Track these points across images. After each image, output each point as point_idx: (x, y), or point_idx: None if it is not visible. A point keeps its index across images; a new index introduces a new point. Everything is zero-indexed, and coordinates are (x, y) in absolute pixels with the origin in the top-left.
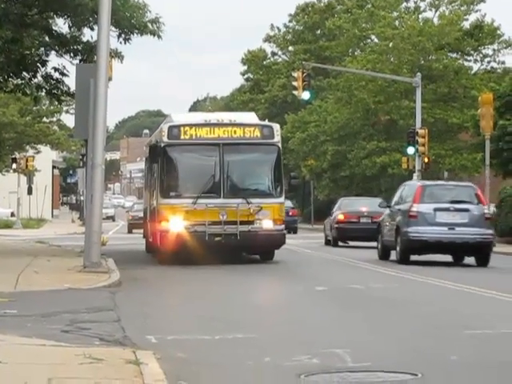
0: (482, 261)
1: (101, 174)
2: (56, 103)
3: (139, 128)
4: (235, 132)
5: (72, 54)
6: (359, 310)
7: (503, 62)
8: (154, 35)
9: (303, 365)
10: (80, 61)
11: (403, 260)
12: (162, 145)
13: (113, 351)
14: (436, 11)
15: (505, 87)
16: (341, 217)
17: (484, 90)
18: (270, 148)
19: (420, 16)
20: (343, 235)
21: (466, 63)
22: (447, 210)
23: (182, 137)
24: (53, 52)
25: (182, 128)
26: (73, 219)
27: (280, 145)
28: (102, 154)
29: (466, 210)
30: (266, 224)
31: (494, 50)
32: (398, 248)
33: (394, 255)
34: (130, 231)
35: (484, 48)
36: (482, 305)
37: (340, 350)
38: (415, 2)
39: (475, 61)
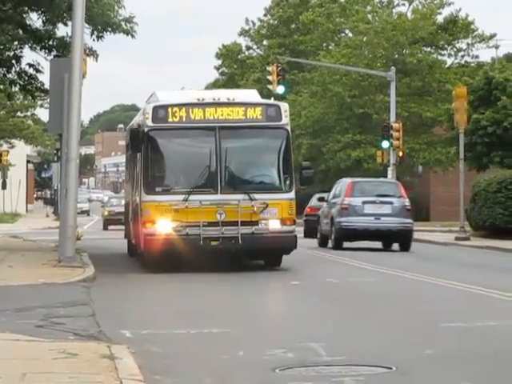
0: (405, 246)
1: (75, 169)
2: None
3: (114, 122)
4: (235, 113)
5: (47, 50)
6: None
7: (477, 56)
8: (128, 34)
9: (278, 359)
10: (55, 56)
11: (337, 246)
12: (146, 129)
13: (87, 346)
14: (410, 5)
15: (478, 81)
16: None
17: (458, 83)
18: (276, 132)
19: (394, 10)
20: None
21: (440, 57)
22: (374, 202)
23: (170, 119)
24: (27, 47)
25: (169, 109)
26: (47, 214)
27: (289, 128)
28: (77, 148)
29: (390, 203)
30: (273, 224)
31: (467, 44)
32: (332, 236)
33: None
34: (105, 228)
35: (458, 42)
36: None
37: (315, 344)
38: None
39: (449, 55)
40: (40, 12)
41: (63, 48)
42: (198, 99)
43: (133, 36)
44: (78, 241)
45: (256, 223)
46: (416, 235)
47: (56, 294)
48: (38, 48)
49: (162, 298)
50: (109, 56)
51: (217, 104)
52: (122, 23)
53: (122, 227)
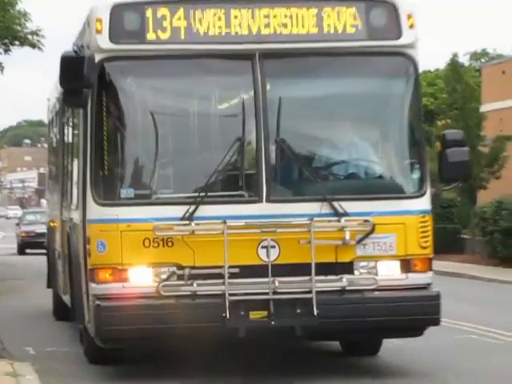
0: None
1: None
2: None
3: (20, 138)
4: (297, 22)
5: None
6: None
7: None
8: (34, 47)
9: None
10: None
11: None
12: (97, 58)
13: None
14: None
15: None
16: None
17: None
18: (389, 64)
19: None
20: None
21: None
22: None
23: (151, 36)
24: None
25: (147, 11)
26: None
27: (417, 57)
28: None
29: None
30: (387, 270)
31: None
32: None
33: None
34: (21, 252)
35: None
36: None
37: None
38: None
39: None
40: None
41: None
42: None
43: (40, 49)
44: None
45: (349, 268)
46: None
47: None
48: None
49: None
50: (15, 69)
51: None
52: (29, 36)
53: (43, 251)
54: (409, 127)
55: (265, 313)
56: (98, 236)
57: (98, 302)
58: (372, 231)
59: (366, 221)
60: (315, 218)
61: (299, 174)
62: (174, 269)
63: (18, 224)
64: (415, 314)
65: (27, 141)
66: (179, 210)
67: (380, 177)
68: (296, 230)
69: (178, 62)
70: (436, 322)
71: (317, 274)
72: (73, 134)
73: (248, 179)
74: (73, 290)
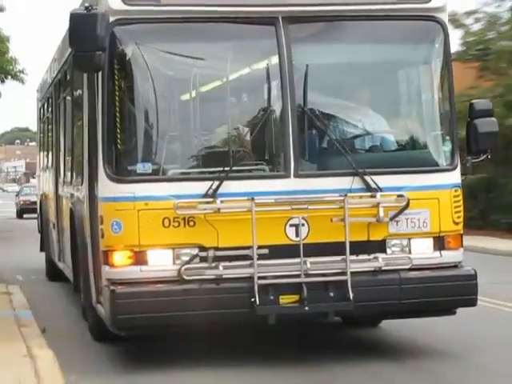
0: None
1: None
2: None
3: (13, 139)
4: None
5: None
6: None
7: None
8: (20, 81)
9: None
10: None
11: None
12: (111, 19)
13: None
14: None
15: None
16: None
17: None
18: (420, 31)
19: None
20: None
21: None
22: None
23: None
24: None
25: None
26: None
27: (446, 21)
28: None
29: None
30: (421, 248)
31: None
32: None
33: None
34: (19, 216)
35: None
36: None
37: None
38: None
39: None
40: None
41: None
42: None
43: (23, 83)
44: None
45: (381, 247)
46: None
47: None
48: None
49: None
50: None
51: None
52: (18, 73)
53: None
54: (440, 97)
55: (296, 297)
56: (112, 215)
57: (113, 288)
58: (406, 207)
59: (399, 196)
60: (350, 194)
61: (328, 147)
62: (197, 250)
63: (17, 195)
64: (452, 294)
65: (17, 141)
66: (201, 187)
67: (412, 149)
68: (328, 206)
69: (196, 25)
70: (474, 302)
71: (353, 254)
72: (73, 109)
73: (274, 152)
74: (76, 265)
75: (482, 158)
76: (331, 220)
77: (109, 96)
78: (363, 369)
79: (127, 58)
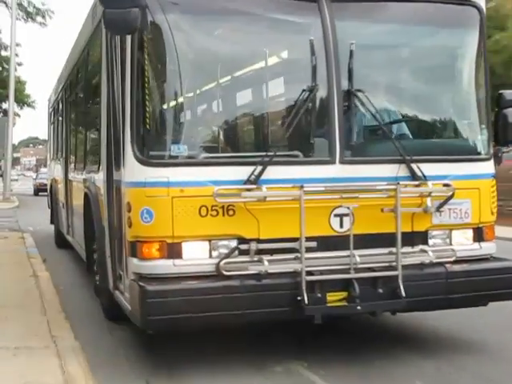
0: None
1: (9, 162)
2: None
3: (28, 144)
4: None
5: None
6: None
7: None
8: (32, 108)
9: None
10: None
11: None
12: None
13: (13, 234)
14: None
15: None
16: None
17: None
18: (459, 15)
19: None
20: None
21: None
22: None
23: None
24: None
25: None
26: None
27: (483, 8)
28: (11, 155)
29: None
30: (462, 240)
31: None
32: None
33: None
34: (36, 194)
35: None
36: None
37: None
38: None
39: None
40: None
41: (3, 113)
42: None
43: (34, 108)
44: (11, 191)
45: (424, 238)
46: None
47: (2, 213)
48: None
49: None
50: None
51: None
52: (31, 102)
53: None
54: (478, 84)
55: (344, 294)
56: (142, 202)
57: (143, 284)
58: (452, 197)
59: (446, 185)
60: (401, 182)
61: (374, 132)
62: (235, 242)
63: (34, 178)
64: (498, 287)
65: (31, 145)
66: (240, 172)
67: (454, 137)
68: (379, 195)
69: (238, 3)
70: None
71: (394, 245)
72: (86, 98)
73: (318, 136)
74: (90, 247)
75: (511, 149)
76: (382, 210)
77: (140, 65)
78: (397, 359)
79: (166, 20)
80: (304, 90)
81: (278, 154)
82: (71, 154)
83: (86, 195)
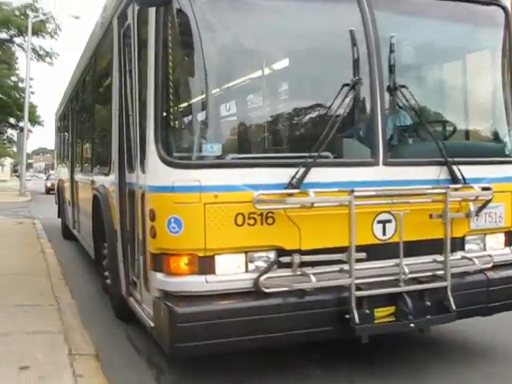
0: None
1: (24, 167)
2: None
3: (39, 153)
4: None
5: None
6: None
7: None
8: (41, 125)
9: None
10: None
11: None
12: None
13: (26, 220)
14: None
15: None
16: None
17: None
18: (488, 19)
19: None
20: None
21: None
22: None
23: None
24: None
25: None
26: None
27: (509, 8)
28: (25, 161)
29: None
30: (494, 245)
31: None
32: None
33: None
34: (47, 192)
35: None
36: None
37: None
38: None
39: None
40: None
41: (20, 130)
42: None
43: (43, 126)
44: (26, 188)
45: (462, 244)
46: None
47: (20, 204)
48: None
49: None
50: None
51: None
52: (39, 120)
53: None
54: (507, 84)
55: (391, 309)
56: (169, 210)
57: (171, 305)
58: (490, 200)
59: (485, 188)
60: (449, 185)
61: (417, 132)
62: (273, 254)
63: (46, 179)
64: None
65: (41, 153)
66: (279, 175)
67: (487, 138)
68: (426, 200)
69: None
70: None
71: (435, 253)
72: (95, 101)
73: (360, 135)
74: (99, 247)
75: None
76: (430, 216)
77: (163, 61)
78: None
79: (191, 14)
80: (345, 86)
81: (320, 154)
82: (77, 157)
83: (95, 197)
